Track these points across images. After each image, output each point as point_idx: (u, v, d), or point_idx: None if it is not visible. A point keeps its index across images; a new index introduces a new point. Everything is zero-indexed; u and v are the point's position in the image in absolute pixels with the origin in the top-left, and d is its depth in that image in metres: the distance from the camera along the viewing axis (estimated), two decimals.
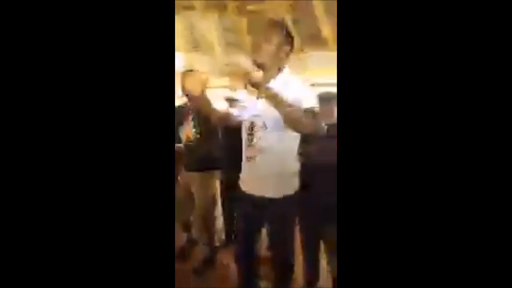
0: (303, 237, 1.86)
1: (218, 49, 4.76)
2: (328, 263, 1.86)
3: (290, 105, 1.18)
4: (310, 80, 2.30)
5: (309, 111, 1.22)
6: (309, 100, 1.25)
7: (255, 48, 1.33)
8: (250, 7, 4.26)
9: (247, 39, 4.70)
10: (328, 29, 3.61)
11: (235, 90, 2.18)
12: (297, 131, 1.28)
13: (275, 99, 1.18)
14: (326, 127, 1.51)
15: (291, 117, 1.18)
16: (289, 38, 1.35)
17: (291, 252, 1.42)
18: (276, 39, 1.30)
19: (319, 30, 3.70)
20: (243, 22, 4.60)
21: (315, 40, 3.78)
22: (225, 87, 2.46)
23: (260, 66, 1.32)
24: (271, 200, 1.34)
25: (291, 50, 1.36)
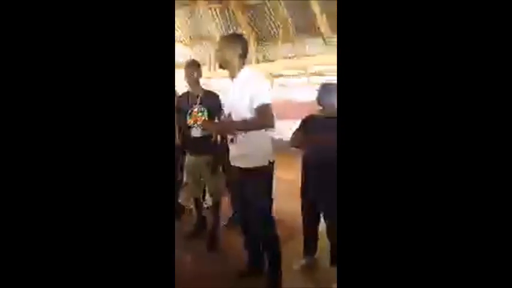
0: (304, 210, 2.04)
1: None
2: (327, 235, 2.02)
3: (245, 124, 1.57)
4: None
5: (261, 109, 1.53)
6: (263, 96, 1.54)
7: (218, 51, 1.68)
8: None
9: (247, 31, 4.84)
10: None
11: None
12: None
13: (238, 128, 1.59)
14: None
15: (254, 127, 1.58)
16: (244, 50, 1.65)
17: (268, 209, 1.74)
18: (232, 49, 1.63)
19: None
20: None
21: None
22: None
23: (221, 66, 1.68)
24: (248, 169, 1.66)
25: (245, 58, 1.68)
